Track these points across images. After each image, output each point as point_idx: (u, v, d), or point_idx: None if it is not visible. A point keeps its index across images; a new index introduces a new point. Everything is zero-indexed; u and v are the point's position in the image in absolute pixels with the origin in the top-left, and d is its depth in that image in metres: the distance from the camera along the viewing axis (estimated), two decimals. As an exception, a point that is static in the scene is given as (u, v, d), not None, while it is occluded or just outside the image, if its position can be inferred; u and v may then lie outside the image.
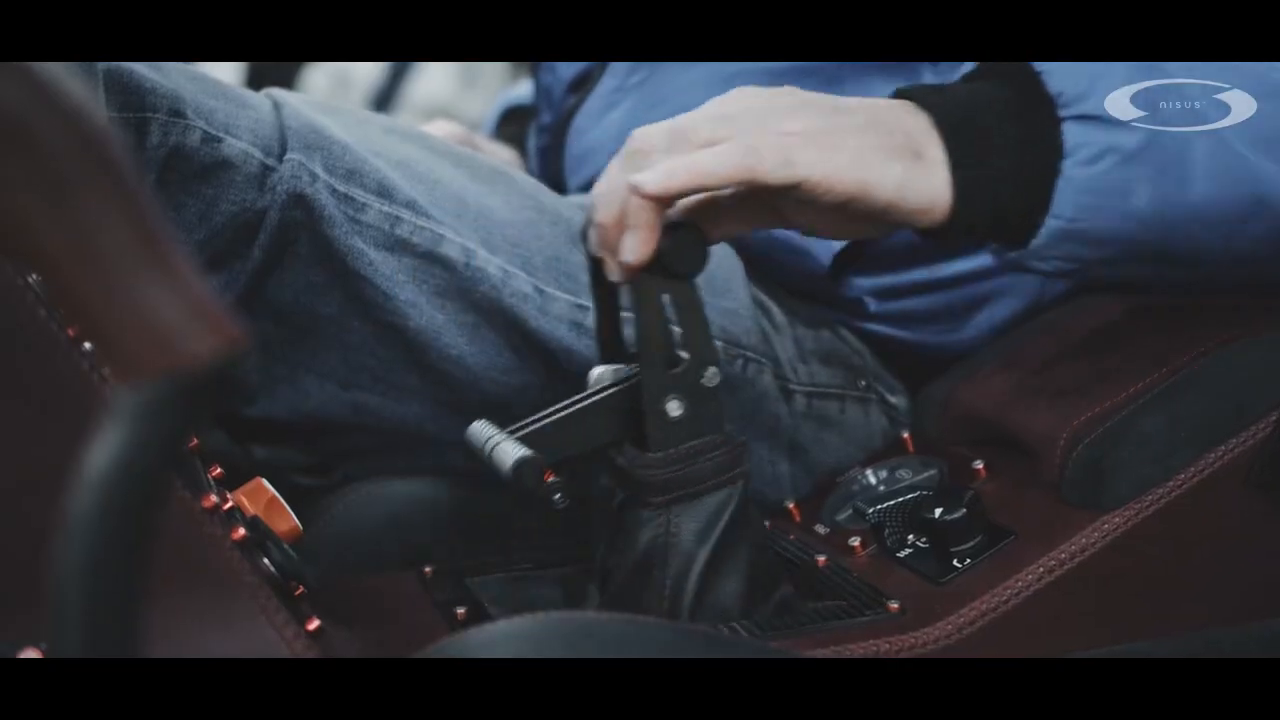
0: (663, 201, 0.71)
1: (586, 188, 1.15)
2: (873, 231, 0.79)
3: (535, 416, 0.77)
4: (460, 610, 0.78)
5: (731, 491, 0.76)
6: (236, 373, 0.72)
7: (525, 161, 1.42)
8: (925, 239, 0.78)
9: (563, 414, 0.77)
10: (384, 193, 0.88)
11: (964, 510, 0.79)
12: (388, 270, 0.88)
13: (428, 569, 0.87)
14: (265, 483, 0.76)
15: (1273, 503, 0.80)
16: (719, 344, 0.95)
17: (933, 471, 0.90)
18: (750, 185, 0.70)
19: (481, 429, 0.77)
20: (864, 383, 0.98)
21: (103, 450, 0.39)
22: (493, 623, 0.61)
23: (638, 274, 0.73)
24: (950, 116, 0.74)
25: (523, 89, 1.55)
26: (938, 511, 0.79)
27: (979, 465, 0.87)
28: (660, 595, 0.75)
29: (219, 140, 0.83)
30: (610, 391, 0.77)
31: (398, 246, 0.88)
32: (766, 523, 0.82)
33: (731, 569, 0.77)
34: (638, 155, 0.74)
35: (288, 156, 0.85)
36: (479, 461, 0.77)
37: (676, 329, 0.76)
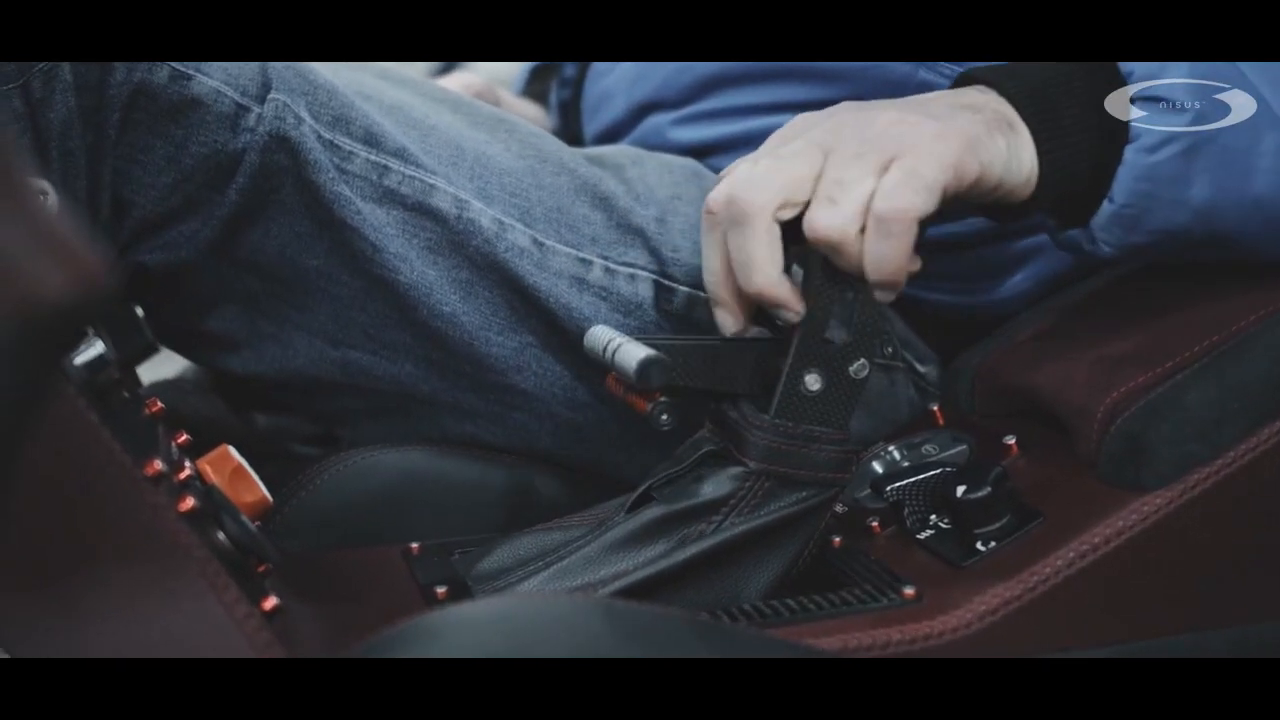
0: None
1: (602, 135, 1.10)
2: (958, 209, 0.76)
3: (670, 337, 0.77)
4: (441, 589, 0.73)
5: (822, 494, 0.72)
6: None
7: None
8: (990, 215, 0.78)
9: (699, 343, 0.73)
10: (371, 140, 0.83)
11: (989, 489, 0.73)
12: (376, 222, 0.83)
13: (415, 545, 0.82)
14: (232, 450, 0.71)
15: (1334, 485, 0.73)
16: None
17: (962, 447, 0.84)
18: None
19: (603, 332, 0.75)
20: (890, 349, 0.92)
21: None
22: (447, 609, 0.56)
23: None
24: (1025, 93, 0.73)
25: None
26: (961, 490, 0.74)
27: (1011, 441, 0.81)
28: (683, 543, 0.71)
29: (188, 77, 0.78)
30: (756, 340, 0.74)
31: (386, 197, 0.83)
32: (835, 539, 0.77)
33: (771, 563, 0.73)
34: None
35: (271, 97, 0.80)
36: (602, 364, 0.74)
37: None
